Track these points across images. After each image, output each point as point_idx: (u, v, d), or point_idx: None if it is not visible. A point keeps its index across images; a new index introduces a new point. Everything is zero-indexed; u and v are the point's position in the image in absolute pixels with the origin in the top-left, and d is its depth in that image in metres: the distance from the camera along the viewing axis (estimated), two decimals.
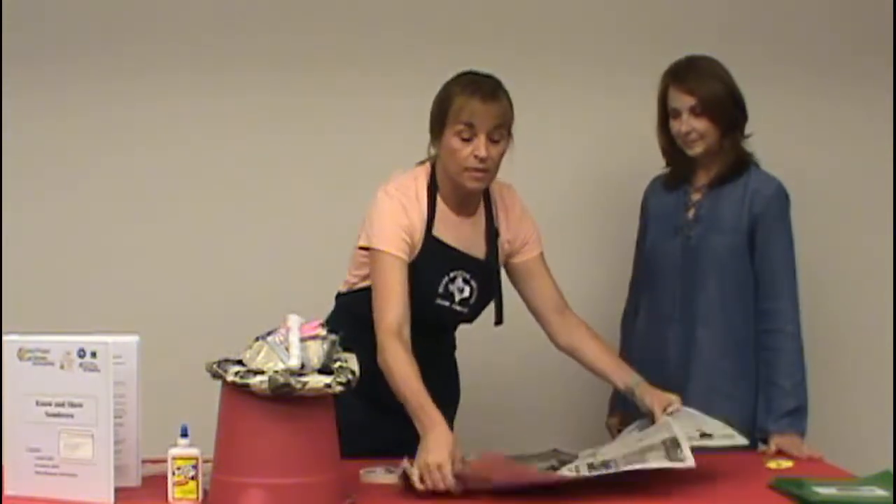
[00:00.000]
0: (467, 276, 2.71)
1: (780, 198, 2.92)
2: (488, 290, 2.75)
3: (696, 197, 2.99)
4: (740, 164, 2.95)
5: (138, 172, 3.49)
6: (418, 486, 2.31)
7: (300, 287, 3.27)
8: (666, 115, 2.97)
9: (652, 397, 2.65)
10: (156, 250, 3.50)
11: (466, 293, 2.71)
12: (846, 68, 3.65)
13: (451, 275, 2.69)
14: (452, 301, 2.71)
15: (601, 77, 3.58)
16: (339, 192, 3.45)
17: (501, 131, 2.60)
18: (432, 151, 2.71)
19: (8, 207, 3.43)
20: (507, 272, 2.82)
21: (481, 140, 2.57)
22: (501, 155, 2.62)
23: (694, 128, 2.90)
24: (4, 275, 3.40)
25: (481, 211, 2.76)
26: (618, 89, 3.56)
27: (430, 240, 2.67)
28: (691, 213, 2.98)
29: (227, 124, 3.50)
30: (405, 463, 2.37)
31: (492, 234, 2.75)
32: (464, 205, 2.71)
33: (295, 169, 3.52)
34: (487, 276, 2.74)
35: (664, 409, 2.61)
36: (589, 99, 3.58)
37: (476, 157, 2.58)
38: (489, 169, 2.61)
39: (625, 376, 2.72)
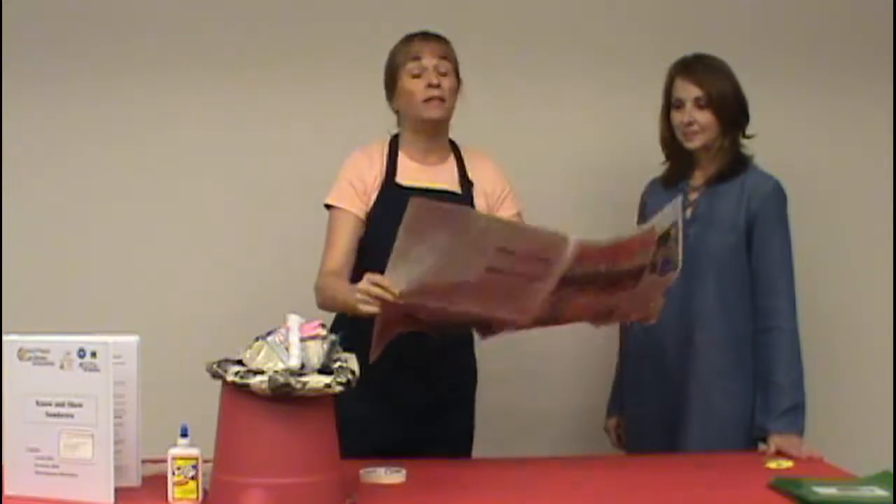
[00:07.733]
0: None
1: (778, 196, 2.92)
2: None
3: (693, 196, 2.99)
4: (738, 164, 2.95)
5: (139, 172, 3.49)
6: (370, 309, 2.33)
7: (300, 287, 3.27)
8: (669, 105, 2.98)
9: None
10: (156, 250, 3.50)
11: None
12: (846, 67, 3.65)
13: None
14: None
15: (600, 75, 3.58)
16: None
17: (447, 65, 2.74)
18: (393, 113, 2.79)
19: (8, 207, 3.43)
20: None
21: (430, 70, 2.71)
22: (453, 90, 2.74)
23: (696, 119, 2.91)
24: (4, 275, 3.40)
25: (451, 162, 2.81)
26: (616, 88, 3.56)
27: (393, 188, 2.72)
28: (689, 213, 2.98)
29: (229, 123, 3.50)
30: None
31: (465, 181, 2.79)
32: (428, 152, 2.78)
33: (296, 168, 3.51)
34: None
35: None
36: (587, 97, 3.58)
37: (429, 84, 2.70)
38: (444, 97, 2.71)
39: None
